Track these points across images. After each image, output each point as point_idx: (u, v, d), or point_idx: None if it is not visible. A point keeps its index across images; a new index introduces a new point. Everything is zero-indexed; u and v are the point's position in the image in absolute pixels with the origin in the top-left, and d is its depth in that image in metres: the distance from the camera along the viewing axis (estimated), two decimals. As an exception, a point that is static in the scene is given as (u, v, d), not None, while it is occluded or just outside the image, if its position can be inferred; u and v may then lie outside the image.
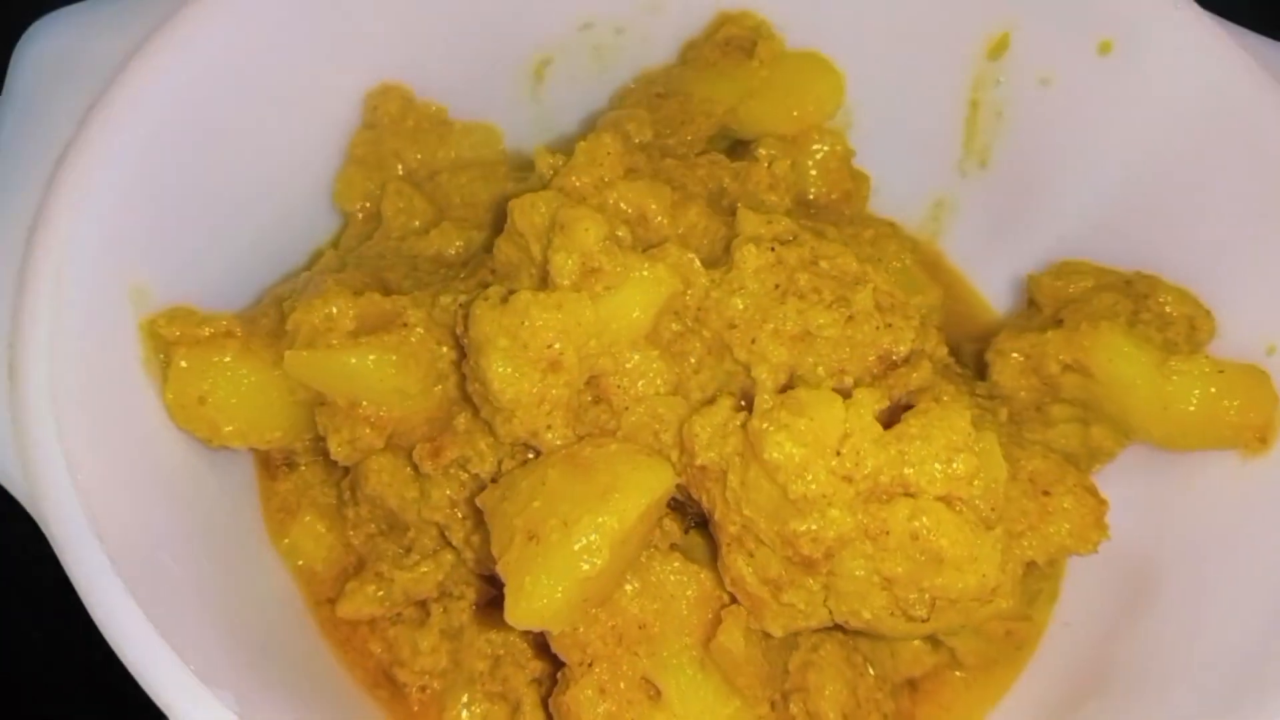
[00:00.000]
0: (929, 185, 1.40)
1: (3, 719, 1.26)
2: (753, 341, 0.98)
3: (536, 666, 1.07)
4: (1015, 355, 1.14)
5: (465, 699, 1.07)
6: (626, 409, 0.97)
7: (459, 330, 0.99)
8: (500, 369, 0.93)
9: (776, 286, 0.99)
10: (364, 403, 1.02)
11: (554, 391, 0.94)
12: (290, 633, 1.08)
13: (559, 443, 0.95)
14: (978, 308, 1.38)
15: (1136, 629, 1.13)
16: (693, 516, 1.02)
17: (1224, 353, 1.12)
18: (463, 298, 1.01)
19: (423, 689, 1.09)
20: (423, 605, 1.09)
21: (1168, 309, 1.12)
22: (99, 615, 0.83)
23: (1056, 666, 1.13)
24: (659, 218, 1.05)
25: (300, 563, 1.14)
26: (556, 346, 0.93)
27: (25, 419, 0.89)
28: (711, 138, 1.26)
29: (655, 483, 0.91)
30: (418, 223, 1.18)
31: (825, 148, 1.23)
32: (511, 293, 0.95)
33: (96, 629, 0.83)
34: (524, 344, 0.93)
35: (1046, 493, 0.99)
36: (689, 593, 0.96)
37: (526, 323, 0.93)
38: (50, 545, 0.86)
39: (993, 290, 1.39)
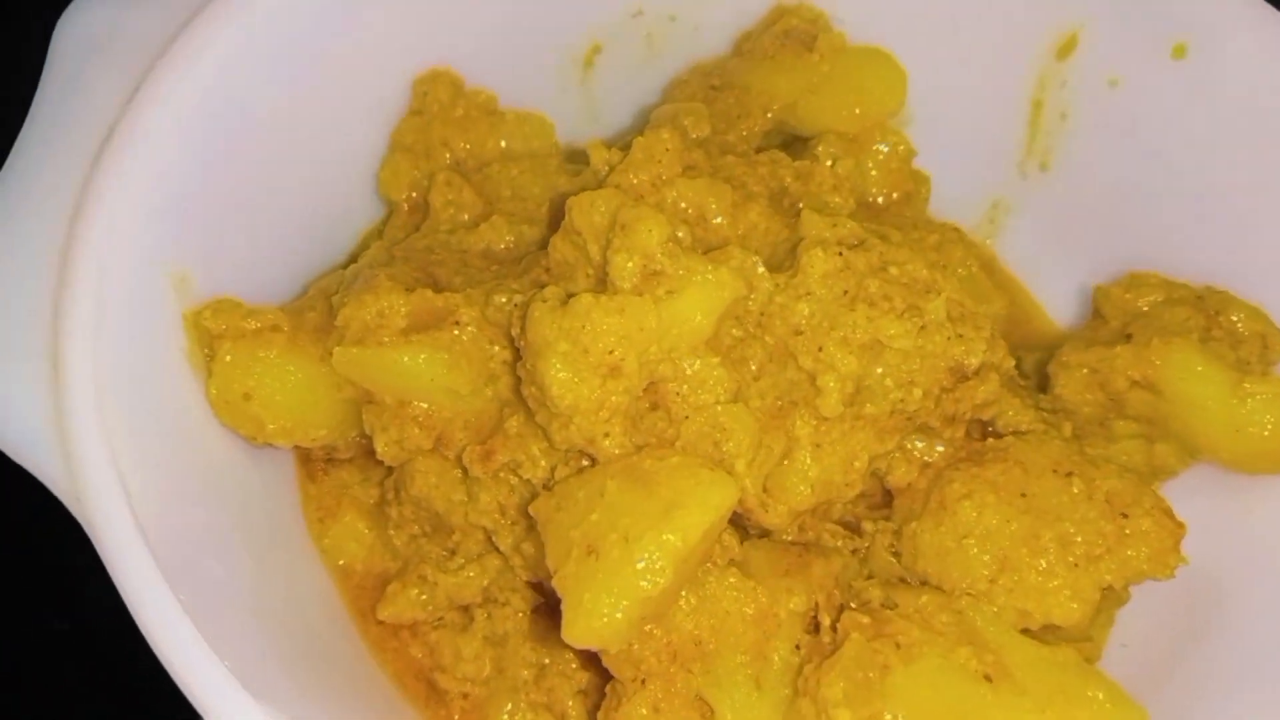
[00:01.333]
0: (987, 186, 1.37)
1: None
2: (819, 349, 0.95)
3: (583, 678, 1.04)
4: (1081, 369, 1.11)
5: (509, 708, 1.05)
6: (686, 418, 0.93)
7: (515, 332, 0.96)
8: (559, 374, 0.90)
9: (845, 293, 0.96)
10: (414, 402, 0.99)
11: (613, 398, 0.91)
12: (331, 636, 1.06)
13: (616, 451, 0.92)
14: (1034, 315, 1.35)
15: (1195, 655, 1.10)
16: (749, 529, 0.99)
17: (1297, 372, 1.09)
18: (518, 297, 0.98)
19: (465, 696, 1.07)
20: (466, 610, 1.07)
21: (1240, 326, 1.09)
22: (142, 618, 0.81)
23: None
24: (719, 218, 1.02)
25: (341, 562, 1.12)
26: (617, 352, 0.90)
27: (69, 414, 0.87)
28: (768, 133, 1.23)
29: (720, 499, 0.88)
30: (466, 215, 1.15)
31: (887, 147, 1.20)
32: (571, 295, 0.93)
33: (132, 631, 0.81)
34: (585, 348, 0.90)
35: (1124, 514, 0.96)
36: (746, 609, 0.93)
37: (588, 326, 0.90)
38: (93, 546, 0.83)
39: (1049, 297, 1.35)
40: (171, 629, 0.80)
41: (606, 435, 0.92)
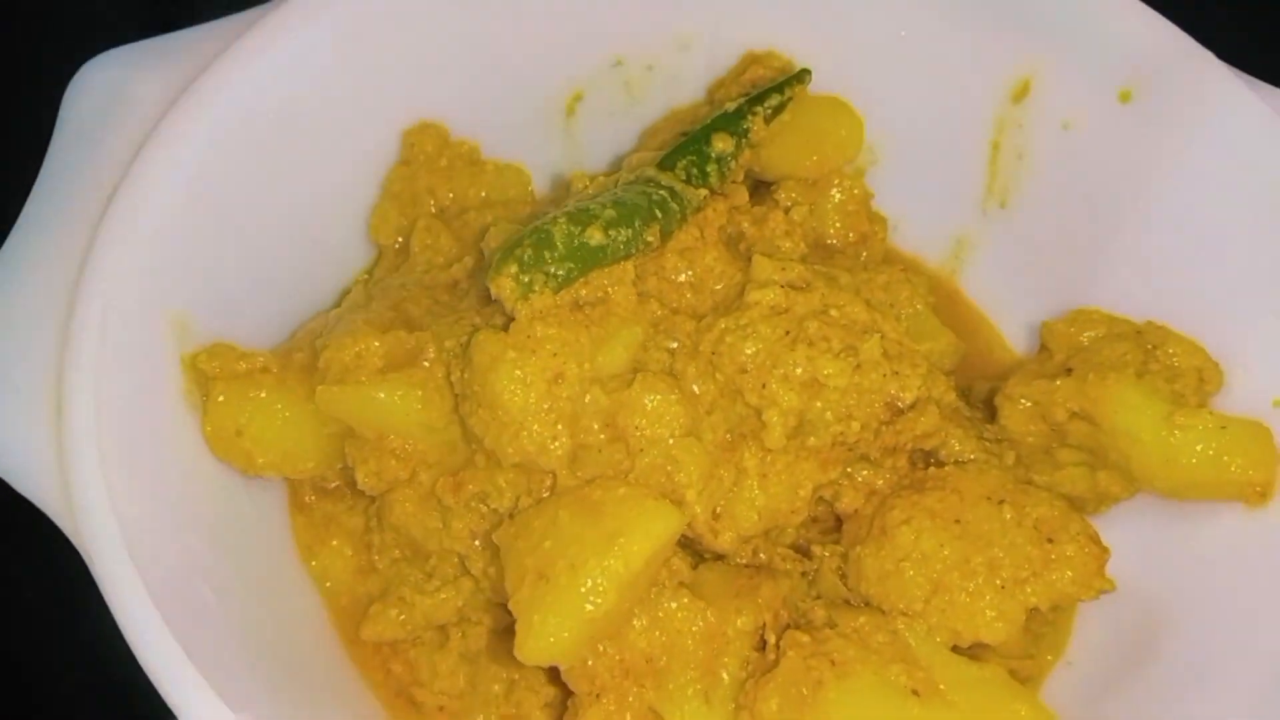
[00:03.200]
0: (951, 223, 1.42)
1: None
2: (764, 386, 1.01)
3: (549, 692, 1.11)
4: (1024, 401, 1.16)
5: (481, 720, 1.12)
6: (641, 450, 1.00)
7: (454, 376, 1.04)
8: (510, 380, 0.98)
9: (787, 333, 1.02)
10: (391, 435, 1.07)
11: (560, 403, 0.99)
12: (318, 655, 1.13)
13: (563, 459, 0.99)
14: (995, 346, 1.40)
15: (1140, 672, 1.15)
16: (704, 554, 1.06)
17: (1231, 405, 1.14)
18: (464, 338, 1.06)
19: (441, 709, 1.14)
20: (442, 629, 1.14)
21: (1176, 361, 1.14)
22: (134, 640, 0.88)
23: (1056, 705, 1.15)
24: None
25: (328, 584, 1.19)
26: (560, 356, 0.99)
27: (69, 448, 0.94)
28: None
29: (661, 528, 0.94)
30: (441, 259, 1.23)
31: (844, 192, 1.26)
32: (511, 320, 1.01)
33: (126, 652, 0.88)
34: (531, 350, 0.98)
35: (1050, 540, 1.02)
36: (695, 628, 1.00)
37: (530, 336, 0.99)
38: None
39: (1011, 329, 1.41)
40: (163, 652, 0.87)
41: (555, 440, 0.99)
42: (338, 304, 1.24)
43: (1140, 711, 1.13)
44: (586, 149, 1.43)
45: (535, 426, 0.99)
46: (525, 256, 1.02)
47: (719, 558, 1.07)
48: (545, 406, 0.99)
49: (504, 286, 1.01)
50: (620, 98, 1.41)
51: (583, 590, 0.90)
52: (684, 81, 1.41)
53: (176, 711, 0.85)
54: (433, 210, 1.28)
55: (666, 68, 1.40)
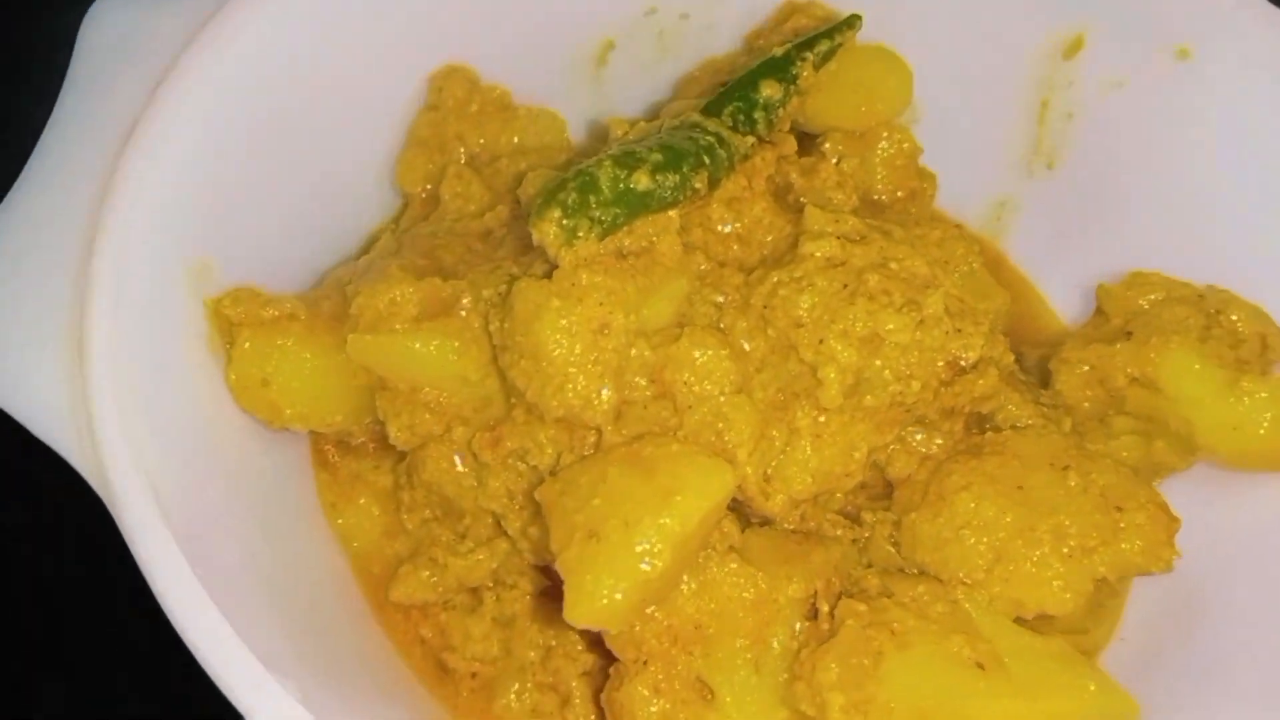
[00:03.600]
0: (993, 184, 1.38)
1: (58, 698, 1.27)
2: (820, 342, 0.97)
3: (588, 659, 1.07)
4: (1081, 366, 1.12)
5: (515, 688, 1.07)
6: (690, 408, 0.96)
7: (493, 326, 0.99)
8: (554, 330, 0.93)
9: (845, 286, 0.98)
10: (425, 388, 1.02)
11: (605, 355, 0.95)
12: (343, 615, 1.09)
13: (609, 414, 0.95)
14: (1039, 311, 1.36)
15: (1190, 648, 1.12)
16: (751, 517, 1.02)
17: (1296, 371, 1.10)
18: (502, 288, 1.01)
19: (473, 675, 1.09)
20: (475, 592, 1.10)
21: (1240, 326, 1.10)
22: (161, 590, 0.83)
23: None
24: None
25: (355, 544, 1.14)
26: (606, 306, 0.94)
27: (91, 395, 0.89)
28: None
29: (718, 486, 0.90)
30: (473, 207, 1.18)
31: (893, 145, 1.21)
32: (552, 269, 0.96)
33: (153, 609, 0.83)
34: (577, 299, 0.94)
35: (1119, 508, 0.98)
36: (745, 595, 0.95)
37: (575, 284, 0.94)
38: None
39: (1054, 294, 1.37)
40: (189, 601, 0.82)
41: (600, 393, 0.94)
42: (364, 252, 1.18)
43: (1190, 688, 1.10)
44: (617, 99, 1.38)
45: (580, 379, 0.94)
46: (569, 201, 0.96)
47: (765, 522, 1.03)
48: (591, 358, 0.94)
49: (547, 231, 0.96)
50: (653, 46, 1.36)
51: (637, 549, 0.85)
52: (719, 30, 1.36)
53: (202, 661, 0.80)
54: (462, 157, 1.23)
55: (701, 16, 1.35)
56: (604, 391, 0.95)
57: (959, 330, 0.98)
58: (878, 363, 0.97)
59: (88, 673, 1.26)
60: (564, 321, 0.94)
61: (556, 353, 0.93)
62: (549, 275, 0.97)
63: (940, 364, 0.98)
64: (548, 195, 0.97)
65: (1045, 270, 1.37)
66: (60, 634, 1.27)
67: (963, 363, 0.98)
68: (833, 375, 0.96)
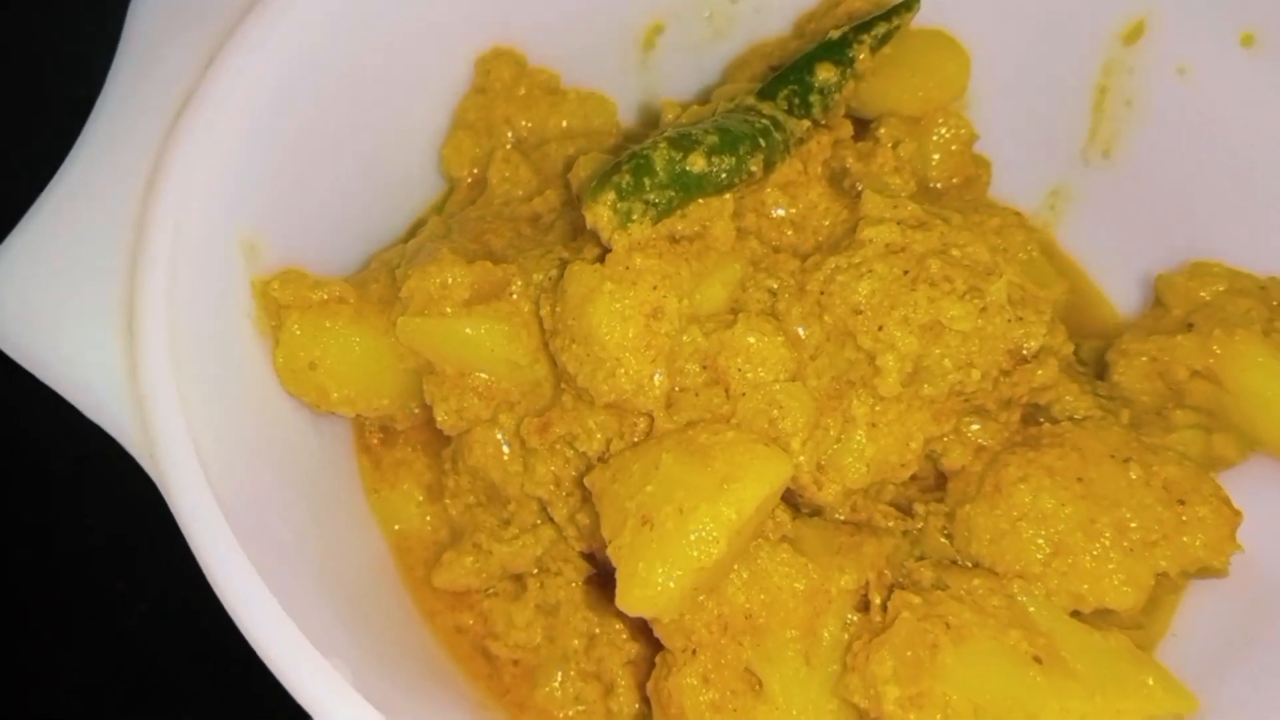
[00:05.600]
0: (1049, 172, 1.35)
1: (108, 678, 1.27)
2: (879, 329, 0.95)
3: (632, 648, 1.05)
4: (1141, 357, 1.10)
5: (559, 676, 1.06)
6: (744, 394, 0.94)
7: (544, 311, 0.97)
8: (607, 314, 0.92)
9: (906, 273, 0.96)
10: (474, 372, 1.01)
11: (658, 339, 0.93)
12: (387, 601, 1.08)
13: (660, 399, 0.94)
14: (1095, 302, 1.33)
15: (1247, 650, 1.09)
16: (802, 507, 1.00)
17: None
18: (553, 272, 0.99)
19: (515, 663, 1.08)
20: (518, 579, 1.08)
21: (1303, 318, 1.07)
22: (212, 570, 0.83)
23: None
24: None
25: (396, 527, 1.13)
26: (660, 289, 0.93)
27: (143, 374, 0.89)
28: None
29: (774, 474, 0.88)
30: (521, 191, 1.16)
31: (949, 131, 1.19)
32: (604, 253, 0.95)
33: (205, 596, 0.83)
34: (630, 283, 0.92)
35: (1182, 501, 0.95)
36: (797, 585, 0.94)
37: (629, 268, 0.93)
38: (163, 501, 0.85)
39: (1109, 284, 1.34)
40: (241, 582, 0.82)
41: (652, 378, 0.93)
42: (409, 236, 1.17)
43: (1251, 688, 1.07)
44: (665, 83, 1.37)
45: (633, 363, 0.93)
46: (624, 183, 0.95)
47: (815, 512, 1.01)
48: (644, 342, 0.93)
49: (601, 215, 0.94)
50: (702, 30, 1.35)
51: (692, 537, 0.84)
52: (769, 13, 1.34)
53: (252, 642, 0.79)
54: (510, 141, 1.21)
55: (751, -1, 1.32)
56: (656, 376, 0.93)
57: (1021, 318, 0.96)
58: (938, 351, 0.95)
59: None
60: (617, 305, 0.92)
61: (609, 337, 0.92)
62: (601, 259, 0.96)
63: (1002, 352, 0.96)
64: (602, 178, 0.96)
65: (1100, 260, 1.34)
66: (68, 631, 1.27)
67: (1025, 352, 0.96)
68: (892, 363, 0.94)
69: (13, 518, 1.32)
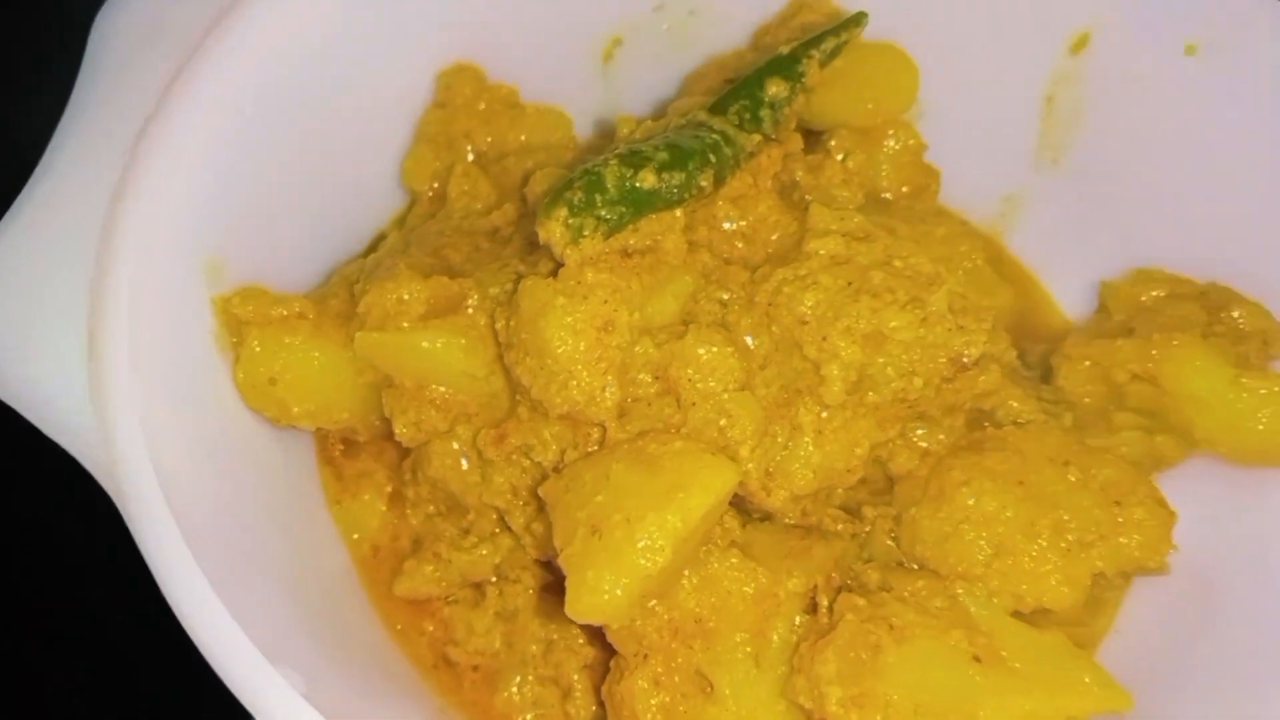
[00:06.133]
0: (1000, 180, 1.38)
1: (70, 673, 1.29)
2: (824, 339, 0.97)
3: (589, 653, 1.08)
4: (1084, 361, 1.13)
5: (517, 681, 1.09)
6: (694, 404, 0.97)
7: (499, 325, 0.99)
8: (560, 327, 0.94)
9: (850, 284, 0.98)
10: (431, 385, 1.03)
11: (610, 352, 0.95)
12: (348, 610, 1.10)
13: (612, 410, 0.96)
14: (1044, 307, 1.36)
15: (1189, 644, 1.12)
16: (753, 513, 1.02)
17: (1298, 369, 1.10)
18: (508, 286, 1.02)
19: (475, 669, 1.11)
20: (478, 587, 1.11)
21: (1241, 323, 1.10)
22: (166, 584, 0.84)
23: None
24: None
25: (356, 536, 1.15)
26: (610, 303, 0.95)
27: (104, 390, 0.90)
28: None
29: (720, 482, 0.91)
30: (479, 205, 1.18)
31: (898, 142, 1.21)
32: (558, 267, 0.97)
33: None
34: (582, 297, 0.94)
35: (1118, 503, 0.98)
36: (746, 589, 0.96)
37: (580, 283, 0.95)
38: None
39: (1059, 289, 1.37)
40: (193, 595, 0.84)
41: (604, 390, 0.95)
42: (370, 250, 1.19)
43: (1189, 682, 1.10)
44: (625, 96, 1.39)
45: (585, 375, 0.95)
46: (576, 200, 0.97)
47: (766, 517, 1.04)
48: (595, 355, 0.95)
49: (553, 231, 0.97)
50: (661, 43, 1.36)
51: (639, 545, 0.86)
52: (726, 27, 1.36)
53: (209, 657, 0.81)
54: (469, 155, 1.23)
55: (710, 11, 1.35)
56: (608, 388, 0.96)
57: (962, 327, 0.99)
58: (881, 360, 0.98)
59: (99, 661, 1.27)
60: (569, 319, 0.95)
61: (561, 350, 0.94)
62: (555, 273, 0.98)
63: (943, 360, 0.98)
64: (554, 194, 0.98)
65: (1050, 266, 1.37)
66: (69, 623, 1.28)
67: (965, 359, 0.99)
68: (836, 372, 0.97)
69: (14, 518, 1.33)
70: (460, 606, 1.11)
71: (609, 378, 0.96)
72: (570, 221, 0.97)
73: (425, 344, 1.00)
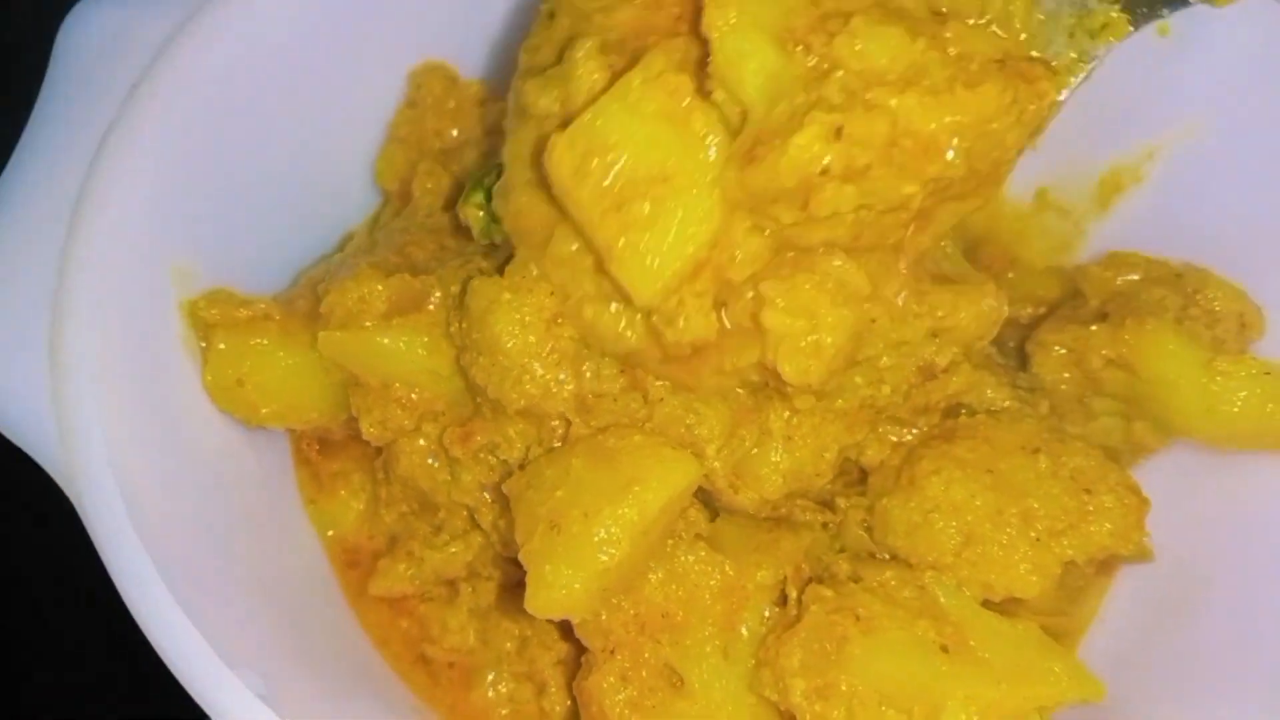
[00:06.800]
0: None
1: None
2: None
3: (563, 648, 1.08)
4: (1058, 348, 1.11)
5: (492, 678, 1.09)
6: (660, 400, 0.96)
7: (453, 328, 0.99)
8: (508, 323, 0.93)
9: None
10: (396, 383, 1.03)
11: (561, 343, 0.94)
12: (321, 610, 1.10)
13: (570, 401, 0.95)
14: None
15: (1176, 633, 1.11)
16: (719, 507, 1.02)
17: (1274, 351, 1.09)
18: (453, 287, 1.01)
19: (451, 665, 1.11)
20: (452, 584, 1.11)
21: (1217, 306, 1.09)
22: (127, 593, 0.85)
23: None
24: None
25: (330, 533, 1.16)
26: (558, 294, 0.94)
27: (66, 398, 0.91)
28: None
29: (678, 476, 0.90)
30: (443, 201, 1.18)
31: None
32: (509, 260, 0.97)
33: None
34: (528, 290, 0.93)
35: (1088, 491, 0.97)
36: (713, 582, 0.96)
37: (525, 276, 0.94)
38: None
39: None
40: (149, 597, 0.84)
41: (558, 381, 0.94)
42: (340, 250, 1.19)
43: (1176, 673, 1.09)
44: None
45: (537, 368, 0.95)
46: (493, 185, 0.97)
47: (731, 511, 1.03)
48: (546, 347, 0.94)
49: (471, 215, 0.97)
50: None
51: (596, 539, 0.86)
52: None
53: (171, 667, 0.82)
54: (438, 152, 1.23)
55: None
56: (562, 378, 0.95)
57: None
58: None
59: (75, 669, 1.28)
60: (516, 314, 0.94)
61: (511, 344, 0.94)
62: (501, 270, 0.97)
63: (911, 370, 0.98)
64: (474, 180, 0.98)
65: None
66: (46, 630, 1.29)
67: (935, 368, 0.98)
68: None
69: (14, 517, 1.34)
70: (435, 604, 1.11)
71: (563, 368, 0.95)
72: (486, 206, 0.97)
73: (387, 342, 1.00)
